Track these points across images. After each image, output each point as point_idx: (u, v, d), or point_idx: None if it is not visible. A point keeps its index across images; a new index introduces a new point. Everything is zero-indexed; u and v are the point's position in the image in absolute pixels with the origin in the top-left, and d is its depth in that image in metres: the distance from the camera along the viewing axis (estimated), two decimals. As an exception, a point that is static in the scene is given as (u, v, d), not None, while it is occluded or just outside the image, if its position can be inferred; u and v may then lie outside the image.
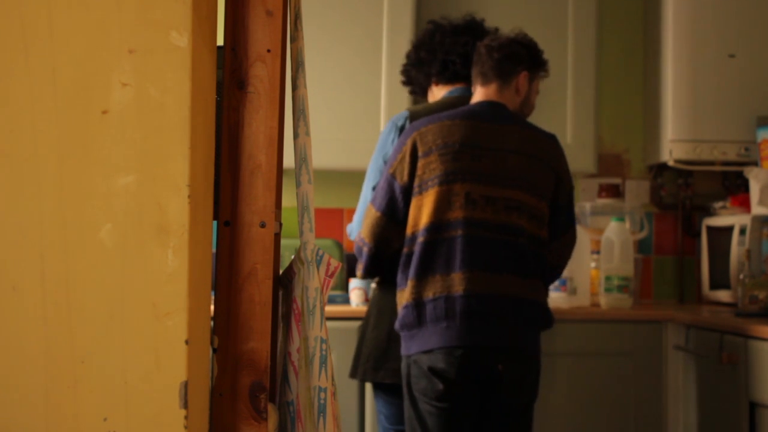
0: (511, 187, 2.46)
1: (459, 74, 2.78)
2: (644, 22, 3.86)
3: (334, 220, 3.74)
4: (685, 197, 3.85)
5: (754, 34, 3.53)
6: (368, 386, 3.08)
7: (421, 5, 3.47)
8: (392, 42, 3.35)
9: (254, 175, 1.31)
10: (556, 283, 3.25)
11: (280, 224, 1.65)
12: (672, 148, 3.54)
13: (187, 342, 1.11)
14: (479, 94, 2.61)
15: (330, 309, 3.07)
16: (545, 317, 2.50)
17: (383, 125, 3.20)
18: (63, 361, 1.10)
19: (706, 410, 2.98)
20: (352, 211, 3.70)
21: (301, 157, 1.47)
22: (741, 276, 3.09)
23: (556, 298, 3.27)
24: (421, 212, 2.45)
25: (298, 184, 1.47)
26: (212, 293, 1.29)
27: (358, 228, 2.68)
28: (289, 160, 1.80)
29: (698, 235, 3.80)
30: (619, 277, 3.33)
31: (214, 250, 1.29)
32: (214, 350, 1.29)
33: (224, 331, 1.29)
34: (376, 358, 2.61)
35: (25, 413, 1.10)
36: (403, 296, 2.46)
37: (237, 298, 1.29)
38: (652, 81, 3.75)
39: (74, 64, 1.11)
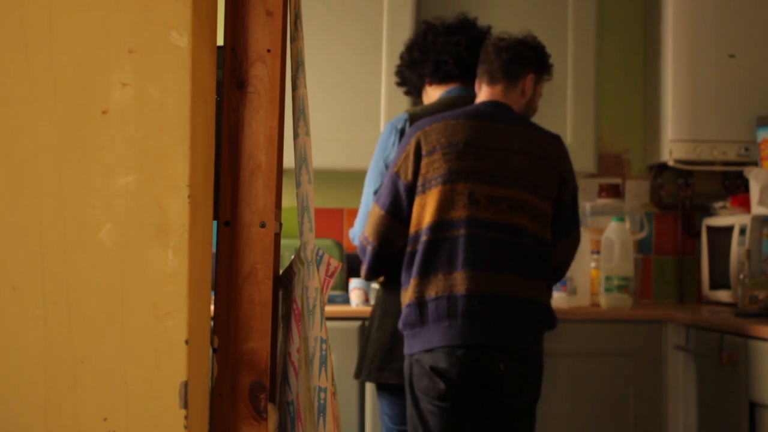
0: (514, 186, 2.46)
1: (452, 74, 2.78)
2: (644, 22, 3.86)
3: (334, 220, 3.74)
4: (685, 197, 3.85)
5: (754, 34, 3.53)
6: (368, 386, 3.08)
7: (421, 5, 3.47)
8: (392, 42, 3.35)
9: (254, 175, 1.31)
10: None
11: (280, 224, 1.65)
12: (672, 148, 3.54)
13: (187, 342, 1.11)
14: (485, 93, 2.60)
15: (330, 309, 3.07)
16: (548, 317, 2.50)
17: (383, 125, 3.20)
18: (63, 361, 1.10)
19: (706, 410, 2.98)
20: (352, 211, 3.71)
21: (301, 157, 1.47)
22: (741, 276, 3.09)
23: (556, 298, 3.27)
24: (425, 211, 2.45)
25: (298, 184, 1.47)
26: (212, 293, 1.29)
27: (361, 230, 2.68)
28: (289, 160, 1.80)
29: (698, 235, 3.80)
30: (619, 277, 3.33)
31: (214, 250, 1.29)
32: (214, 350, 1.29)
33: (224, 331, 1.29)
34: (381, 359, 2.61)
35: (25, 413, 1.10)
36: (406, 295, 2.46)
37: (237, 298, 1.29)
38: (652, 81, 3.75)
39: (74, 64, 1.11)
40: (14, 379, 1.10)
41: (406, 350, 2.48)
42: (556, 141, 2.58)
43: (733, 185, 3.79)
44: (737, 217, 3.39)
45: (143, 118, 1.12)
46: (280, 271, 1.56)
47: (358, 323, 3.10)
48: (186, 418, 1.11)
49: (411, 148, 2.49)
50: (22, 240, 1.11)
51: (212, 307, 1.30)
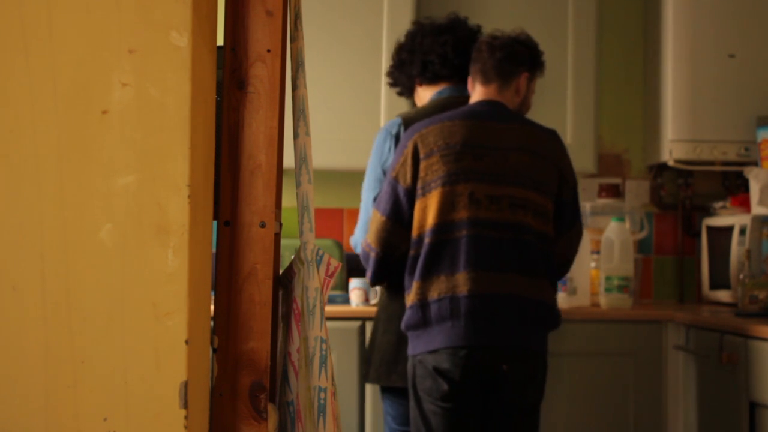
0: (514, 184, 2.46)
1: (440, 74, 2.78)
2: (644, 22, 3.86)
3: (334, 220, 3.74)
4: (685, 197, 3.85)
5: (754, 34, 3.53)
6: (369, 386, 3.08)
7: (421, 5, 3.47)
8: (392, 42, 3.34)
9: (254, 175, 1.31)
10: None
11: (280, 224, 1.65)
12: (672, 148, 3.54)
13: (187, 342, 1.11)
14: (479, 93, 2.60)
15: (330, 309, 3.07)
16: (551, 317, 2.49)
17: (383, 125, 3.20)
18: (63, 361, 1.10)
19: (706, 410, 2.98)
20: (352, 211, 3.71)
21: (301, 157, 1.47)
22: (741, 276, 3.09)
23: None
24: (426, 214, 2.45)
25: (298, 184, 1.47)
26: (212, 293, 1.29)
27: (363, 236, 2.68)
28: (289, 160, 1.80)
29: (698, 235, 3.80)
30: (619, 277, 3.33)
31: (214, 250, 1.29)
32: (214, 350, 1.29)
33: (224, 331, 1.29)
34: (389, 362, 2.62)
35: (25, 413, 1.10)
36: (409, 298, 2.47)
37: (237, 298, 1.29)
38: (652, 81, 3.75)
39: (74, 64, 1.11)
40: (14, 379, 1.10)
41: (410, 351, 2.48)
42: (553, 137, 2.58)
43: (733, 185, 3.79)
44: (737, 217, 3.39)
45: (143, 118, 1.12)
46: (280, 271, 1.57)
47: (358, 323, 3.10)
48: (186, 418, 1.11)
49: (408, 152, 2.49)
50: (22, 240, 1.11)
51: (212, 307, 1.30)
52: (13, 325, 1.10)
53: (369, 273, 2.58)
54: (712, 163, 3.60)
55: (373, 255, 2.53)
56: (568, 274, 3.28)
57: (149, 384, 1.11)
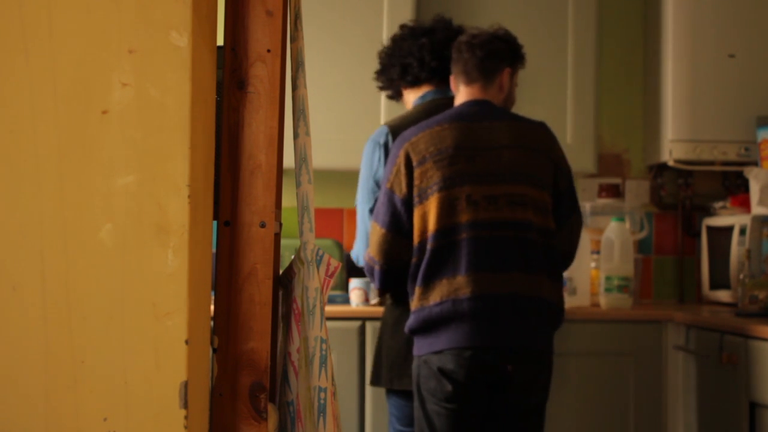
0: (510, 182, 2.46)
1: (419, 77, 2.79)
2: (644, 22, 3.86)
3: (334, 220, 3.74)
4: (685, 197, 3.85)
5: (754, 34, 3.53)
6: (369, 387, 3.08)
7: (421, 5, 3.47)
8: (392, 42, 3.35)
9: (254, 175, 1.31)
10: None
11: (280, 224, 1.65)
12: (672, 148, 3.54)
13: (187, 342, 1.11)
14: (463, 94, 2.60)
15: (330, 309, 3.07)
16: (554, 314, 2.49)
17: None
18: (63, 361, 1.10)
19: (706, 410, 2.98)
20: (352, 212, 3.70)
21: (301, 157, 1.47)
22: (741, 276, 3.09)
23: (556, 298, 3.27)
24: (427, 220, 2.44)
25: (298, 184, 1.47)
26: (212, 293, 1.29)
27: (364, 250, 2.69)
28: (289, 160, 1.80)
29: (698, 235, 3.79)
30: (619, 277, 3.32)
31: (214, 250, 1.29)
32: (214, 350, 1.29)
33: (224, 331, 1.29)
34: (399, 366, 2.62)
35: (25, 413, 1.10)
36: (413, 303, 2.47)
37: (237, 298, 1.29)
38: (652, 81, 3.75)
39: (74, 64, 1.11)
40: (14, 379, 1.10)
41: (415, 351, 2.48)
42: (542, 129, 2.57)
43: (733, 185, 3.79)
44: (737, 217, 3.39)
45: (143, 118, 1.12)
46: (280, 271, 1.57)
47: (358, 323, 3.10)
48: (186, 418, 1.11)
49: (401, 161, 2.49)
50: (22, 240, 1.11)
51: (212, 307, 1.30)
52: (13, 325, 1.10)
53: (376, 285, 2.59)
54: (712, 163, 3.60)
55: (377, 268, 2.53)
56: (568, 274, 3.28)
57: (149, 384, 1.11)
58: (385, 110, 3.38)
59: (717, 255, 3.51)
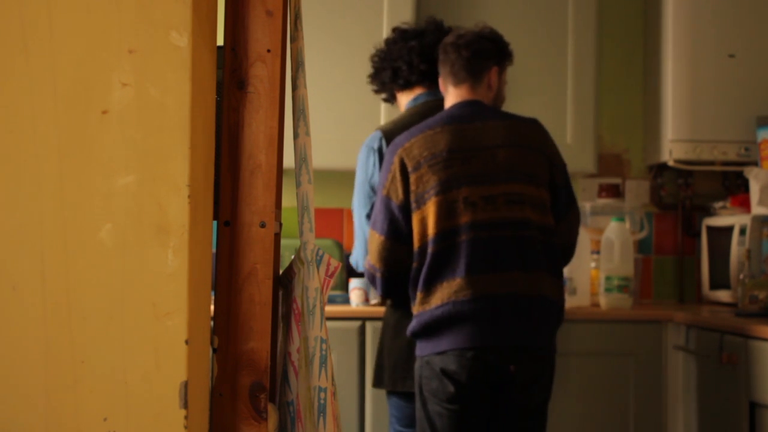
0: (506, 181, 2.46)
1: (410, 80, 2.79)
2: (644, 22, 3.86)
3: (334, 220, 3.74)
4: (685, 197, 3.84)
5: (754, 34, 3.53)
6: (369, 387, 3.08)
7: (421, 5, 3.47)
8: (392, 42, 3.35)
9: (254, 175, 1.31)
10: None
11: (280, 224, 1.65)
12: (672, 148, 3.54)
13: (187, 342, 1.11)
14: (453, 95, 2.60)
15: (330, 309, 3.07)
16: (554, 313, 2.49)
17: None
18: (63, 361, 1.10)
19: (706, 410, 2.98)
20: (351, 212, 3.70)
21: (301, 157, 1.47)
22: (741, 276, 3.09)
23: (556, 298, 3.27)
24: (426, 225, 2.44)
25: (298, 184, 1.47)
26: (212, 293, 1.29)
27: (363, 256, 2.69)
28: (289, 160, 1.80)
29: (698, 235, 3.80)
30: (619, 277, 3.32)
31: (214, 250, 1.29)
32: (214, 350, 1.29)
33: (224, 331, 1.29)
34: (402, 368, 2.62)
35: (25, 413, 1.10)
36: (414, 306, 2.47)
37: (237, 298, 1.29)
38: (652, 81, 3.75)
39: (74, 64, 1.11)
40: (14, 379, 1.10)
41: (418, 352, 2.48)
42: (535, 126, 2.57)
43: (733, 185, 3.79)
44: (737, 217, 3.39)
45: (143, 118, 1.12)
46: (280, 271, 1.57)
47: (358, 323, 3.10)
48: (186, 418, 1.11)
49: (395, 167, 2.49)
50: (22, 240, 1.11)
51: (212, 307, 1.30)
52: (13, 325, 1.10)
53: (378, 292, 2.60)
54: (712, 163, 3.60)
55: (378, 275, 2.54)
56: (568, 274, 3.28)
57: (149, 384, 1.11)
58: (384, 110, 3.38)
59: (717, 255, 3.52)
